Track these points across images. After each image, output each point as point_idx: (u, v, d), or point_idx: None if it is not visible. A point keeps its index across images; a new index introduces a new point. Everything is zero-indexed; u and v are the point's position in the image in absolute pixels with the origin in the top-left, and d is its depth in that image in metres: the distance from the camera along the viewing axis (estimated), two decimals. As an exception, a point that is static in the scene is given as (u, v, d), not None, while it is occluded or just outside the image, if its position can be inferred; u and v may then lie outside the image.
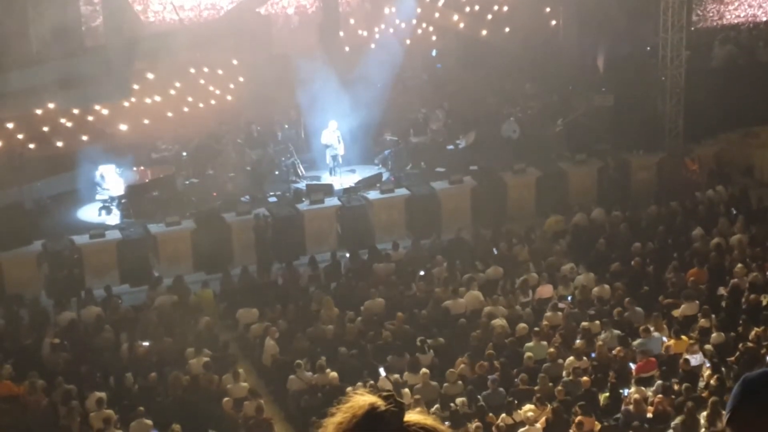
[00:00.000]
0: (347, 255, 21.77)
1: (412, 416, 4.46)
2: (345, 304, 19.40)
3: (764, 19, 29.58)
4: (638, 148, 25.36)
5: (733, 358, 17.05)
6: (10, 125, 24.72)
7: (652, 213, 22.47)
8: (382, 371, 17.37)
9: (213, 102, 28.25)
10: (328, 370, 17.30)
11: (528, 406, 15.94)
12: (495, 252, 21.28)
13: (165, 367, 17.71)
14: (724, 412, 4.67)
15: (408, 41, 29.20)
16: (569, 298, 19.34)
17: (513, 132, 26.92)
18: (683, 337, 17.61)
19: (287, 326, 18.76)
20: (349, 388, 16.70)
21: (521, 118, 27.20)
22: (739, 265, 19.31)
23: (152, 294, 20.18)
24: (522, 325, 18.27)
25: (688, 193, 23.37)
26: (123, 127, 26.22)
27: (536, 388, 16.42)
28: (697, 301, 18.48)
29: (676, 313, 18.54)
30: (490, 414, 15.93)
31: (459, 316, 18.81)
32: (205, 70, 28.62)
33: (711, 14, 30.22)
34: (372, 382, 16.70)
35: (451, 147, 27.05)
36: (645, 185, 24.89)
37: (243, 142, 25.15)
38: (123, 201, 23.56)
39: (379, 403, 4.43)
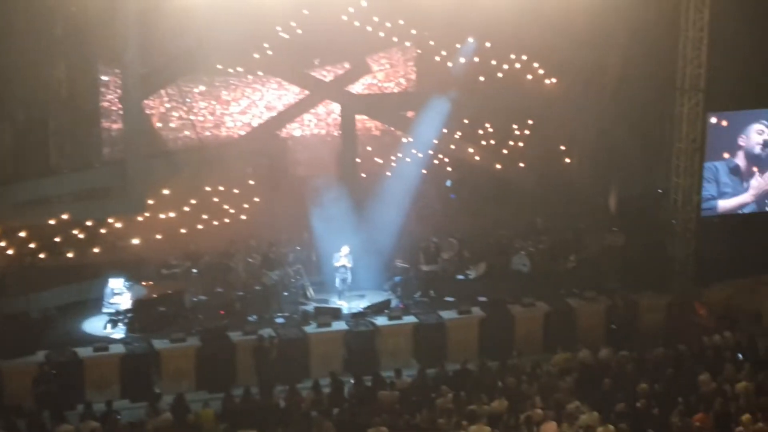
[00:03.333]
0: (351, 380, 21.59)
1: None
2: (347, 431, 19.13)
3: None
4: (647, 289, 25.41)
5: None
6: (22, 234, 24.85)
7: (660, 355, 22.32)
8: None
9: (227, 220, 28.44)
10: (325, 499, 16.97)
11: None
12: (500, 385, 21.07)
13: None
14: None
15: (423, 170, 29.52)
16: (573, 437, 19.05)
17: (523, 266, 27.05)
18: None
19: (286, 451, 18.49)
20: None
21: (532, 253, 27.33)
22: (747, 415, 19.07)
23: (151, 411, 19.96)
24: (525, 462, 17.97)
25: (696, 337, 23.24)
26: (135, 241, 26.37)
27: None
28: (703, 448, 18.21)
29: (682, 458, 18.25)
30: None
31: (462, 450, 18.53)
32: (221, 188, 28.90)
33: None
34: None
35: (461, 277, 27.13)
36: (653, 326, 24.84)
37: (260, 262, 25.24)
38: (129, 315, 23.53)
39: None
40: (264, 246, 25.89)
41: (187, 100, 30.00)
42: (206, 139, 30.11)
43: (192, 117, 30.07)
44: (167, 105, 30.05)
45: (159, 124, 30.01)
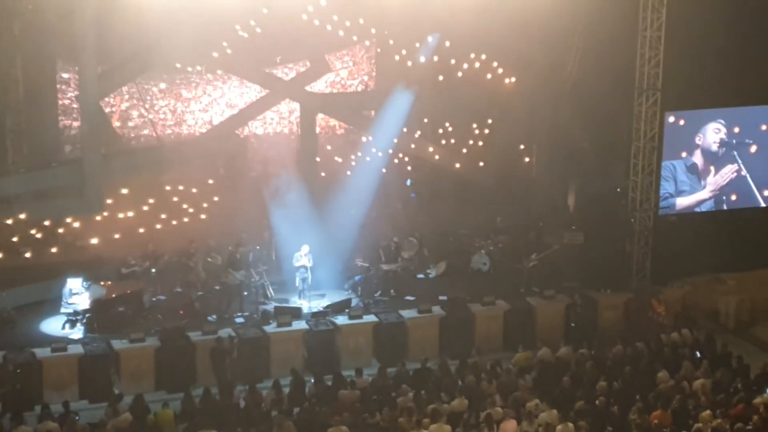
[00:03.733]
0: (312, 380, 21.58)
1: None
2: (307, 431, 19.12)
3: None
4: (606, 287, 25.61)
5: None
6: (-21, 233, 24.63)
7: (618, 353, 22.50)
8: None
9: (186, 220, 28.32)
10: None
11: None
12: (460, 384, 21.15)
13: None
14: None
15: (384, 170, 29.54)
16: (533, 435, 19.17)
17: (483, 264, 27.19)
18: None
19: (247, 451, 18.45)
20: None
21: (492, 251, 27.45)
22: (707, 411, 19.29)
23: (110, 412, 19.83)
24: (485, 460, 18.04)
25: (654, 335, 23.46)
26: (94, 240, 26.18)
27: None
28: (661, 445, 18.37)
29: (640, 455, 18.40)
30: None
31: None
32: (180, 187, 28.76)
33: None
34: None
35: (421, 276, 27.20)
36: (612, 324, 25.04)
37: (226, 262, 25.15)
38: (88, 315, 23.35)
39: None
40: (231, 246, 25.81)
41: (147, 97, 29.84)
42: (166, 138, 29.97)
43: (151, 116, 29.91)
44: (126, 104, 29.87)
45: (118, 123, 29.82)
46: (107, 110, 29.15)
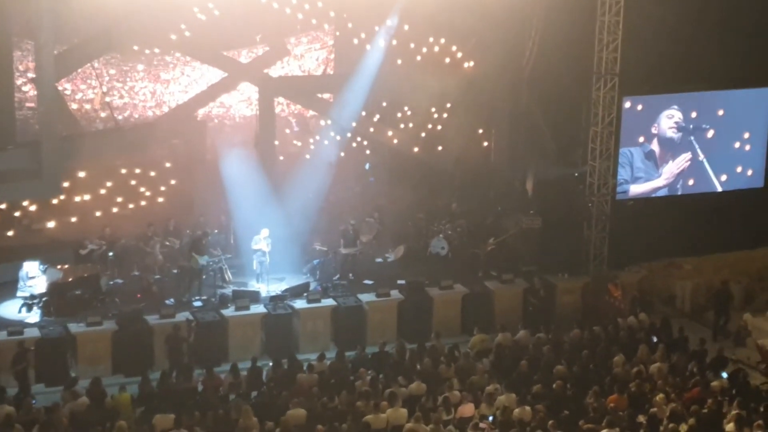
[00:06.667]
0: (270, 364, 21.57)
1: None
2: (265, 415, 19.12)
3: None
4: (563, 271, 25.78)
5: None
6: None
7: (576, 337, 22.68)
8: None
9: (143, 203, 28.15)
10: (244, 483, 16.94)
11: None
12: (418, 367, 21.23)
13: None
14: None
15: (342, 153, 29.51)
16: (491, 418, 19.30)
17: (442, 249, 27.27)
18: (602, 462, 17.61)
19: (205, 435, 18.40)
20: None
21: (451, 236, 27.54)
22: (660, 395, 19.50)
23: (66, 395, 19.72)
24: (443, 444, 18.12)
25: (611, 319, 23.66)
26: (50, 224, 25.95)
27: None
28: (617, 428, 18.51)
29: (596, 438, 18.56)
30: None
31: (380, 432, 18.65)
32: (137, 171, 28.57)
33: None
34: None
35: (379, 260, 27.24)
36: (569, 308, 25.23)
37: (190, 247, 25.02)
38: (45, 299, 23.18)
39: None
40: (198, 231, 25.69)
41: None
42: (122, 121, 29.76)
43: (108, 98, 29.67)
44: (83, 86, 29.62)
45: (74, 106, 29.53)
46: (64, 93, 28.87)
